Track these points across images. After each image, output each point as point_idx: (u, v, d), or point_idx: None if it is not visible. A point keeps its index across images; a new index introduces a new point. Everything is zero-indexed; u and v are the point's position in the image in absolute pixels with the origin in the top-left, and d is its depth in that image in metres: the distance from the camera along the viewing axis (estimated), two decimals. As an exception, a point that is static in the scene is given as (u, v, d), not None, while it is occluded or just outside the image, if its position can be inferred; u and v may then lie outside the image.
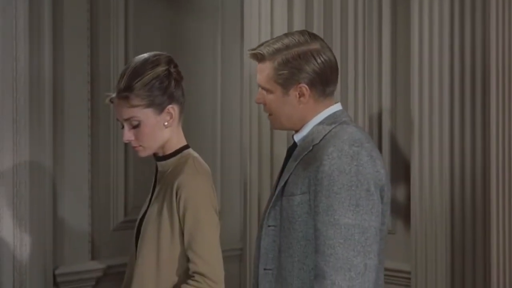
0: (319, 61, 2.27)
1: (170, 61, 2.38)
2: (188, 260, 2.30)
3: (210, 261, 2.28)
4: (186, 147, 2.43)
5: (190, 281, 2.27)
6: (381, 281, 2.28)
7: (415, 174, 3.04)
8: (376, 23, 3.30)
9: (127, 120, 2.33)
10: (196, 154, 2.42)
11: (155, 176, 2.47)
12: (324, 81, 2.28)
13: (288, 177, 2.26)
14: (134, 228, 2.47)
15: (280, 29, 3.27)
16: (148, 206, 2.44)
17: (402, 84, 3.24)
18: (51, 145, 3.49)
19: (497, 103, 2.72)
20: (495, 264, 2.71)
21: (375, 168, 2.19)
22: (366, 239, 2.13)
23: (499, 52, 2.71)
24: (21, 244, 3.39)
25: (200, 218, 2.29)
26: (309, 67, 2.26)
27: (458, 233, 2.94)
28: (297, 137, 2.32)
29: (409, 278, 3.08)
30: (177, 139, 2.41)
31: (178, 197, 2.29)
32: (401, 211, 3.16)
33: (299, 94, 2.27)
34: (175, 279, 2.31)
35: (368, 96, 3.32)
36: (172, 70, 2.36)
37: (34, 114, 3.41)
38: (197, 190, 2.30)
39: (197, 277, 2.26)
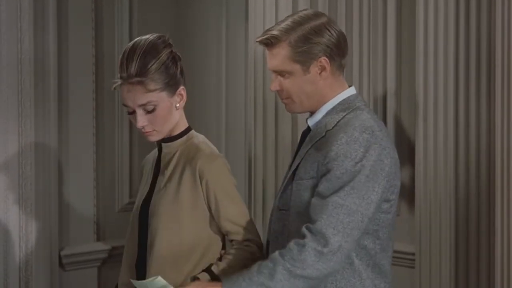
0: (333, 32, 2.26)
1: (170, 43, 2.38)
2: (221, 236, 2.39)
3: (253, 230, 2.38)
4: (190, 128, 2.44)
5: (241, 247, 2.36)
6: (386, 268, 2.27)
7: (419, 156, 3.04)
8: (381, 5, 3.28)
9: (141, 105, 2.31)
10: (202, 136, 2.44)
11: (158, 158, 2.47)
12: (341, 53, 2.28)
13: (300, 162, 2.27)
14: (136, 210, 2.46)
15: (285, 10, 3.25)
16: (150, 188, 2.44)
17: (407, 66, 3.23)
18: (56, 126, 3.50)
19: (502, 83, 2.71)
20: (499, 245, 2.72)
21: (380, 157, 2.18)
22: (349, 221, 2.12)
23: (505, 29, 2.69)
24: (27, 225, 3.40)
25: (233, 195, 2.36)
26: (326, 40, 2.24)
27: (462, 215, 2.94)
28: (311, 121, 2.31)
29: (413, 260, 3.09)
30: (182, 121, 2.42)
31: (204, 181, 2.32)
32: (406, 192, 3.16)
33: (320, 68, 2.25)
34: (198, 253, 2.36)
35: (372, 78, 3.30)
36: (174, 51, 2.36)
37: (39, 95, 3.41)
38: (222, 172, 2.35)
39: (246, 243, 2.35)
